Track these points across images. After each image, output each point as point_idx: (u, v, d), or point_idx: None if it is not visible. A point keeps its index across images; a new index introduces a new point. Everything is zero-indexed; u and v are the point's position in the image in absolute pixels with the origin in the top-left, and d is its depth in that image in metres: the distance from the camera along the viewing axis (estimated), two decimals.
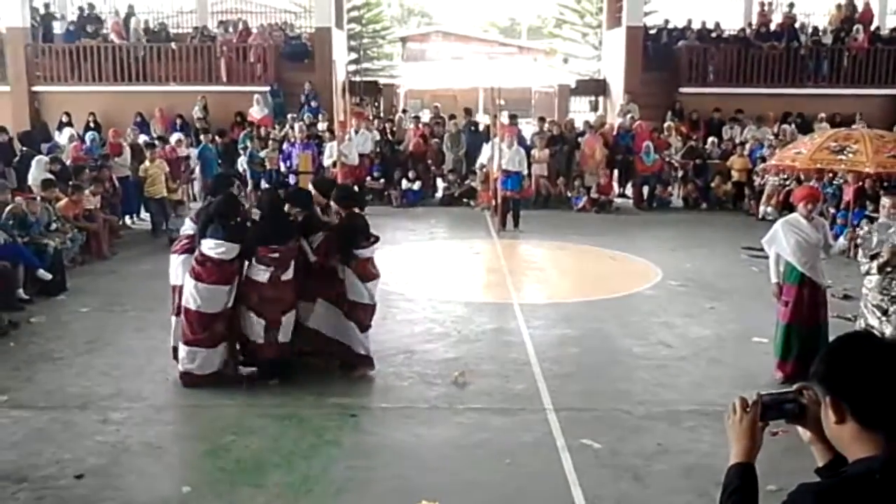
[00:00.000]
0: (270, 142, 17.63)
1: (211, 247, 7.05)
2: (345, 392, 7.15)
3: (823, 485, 1.96)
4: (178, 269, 7.43)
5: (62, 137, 17.79)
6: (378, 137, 18.40)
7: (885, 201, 7.66)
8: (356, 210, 7.86)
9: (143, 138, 17.16)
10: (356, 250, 7.47)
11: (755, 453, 2.12)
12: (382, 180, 17.88)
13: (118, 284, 11.05)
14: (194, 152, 17.25)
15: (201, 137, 17.50)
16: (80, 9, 23.01)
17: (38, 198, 11.76)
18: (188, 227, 7.64)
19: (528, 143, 17.79)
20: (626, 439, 6.26)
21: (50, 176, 12.99)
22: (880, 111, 20.43)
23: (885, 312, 7.09)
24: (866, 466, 1.84)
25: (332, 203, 7.80)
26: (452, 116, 19.45)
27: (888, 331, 7.05)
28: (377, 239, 7.73)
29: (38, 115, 20.91)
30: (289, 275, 7.25)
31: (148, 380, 7.44)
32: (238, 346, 7.43)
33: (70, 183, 12.99)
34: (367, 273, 7.57)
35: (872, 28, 22.56)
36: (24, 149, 16.31)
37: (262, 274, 7.16)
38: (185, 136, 17.62)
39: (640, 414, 6.76)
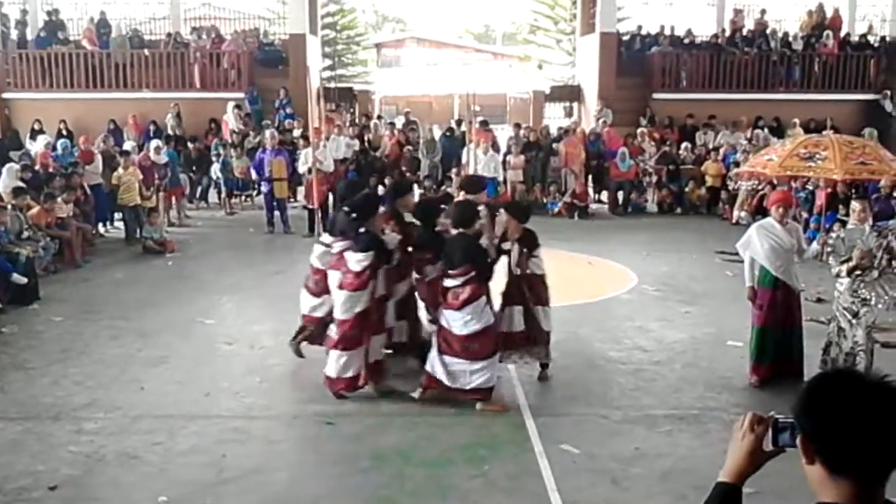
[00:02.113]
0: (234, 150, 17.62)
1: (360, 259, 7.05)
2: (322, 399, 7.12)
3: None
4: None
5: (36, 145, 17.60)
6: (354, 144, 18.36)
7: (856, 206, 7.78)
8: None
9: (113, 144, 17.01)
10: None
11: (747, 475, 1.99)
12: None
13: (91, 293, 10.95)
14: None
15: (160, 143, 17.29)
16: (49, 13, 22.79)
17: (9, 206, 11.62)
18: (340, 244, 7.57)
19: (504, 148, 17.84)
20: (603, 444, 6.29)
21: (21, 184, 12.83)
22: (850, 116, 20.69)
23: (855, 315, 7.18)
24: None
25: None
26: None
27: (859, 332, 7.14)
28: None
29: (8, 123, 20.69)
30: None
31: (122, 389, 7.37)
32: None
33: (42, 191, 12.86)
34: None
35: (842, 34, 22.86)
36: None
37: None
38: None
39: (617, 418, 6.79)
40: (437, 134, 19.34)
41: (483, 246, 7.20)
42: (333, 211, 8.04)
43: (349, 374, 7.09)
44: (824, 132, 9.68)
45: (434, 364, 6.98)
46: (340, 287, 7.14)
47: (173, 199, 16.42)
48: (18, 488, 5.51)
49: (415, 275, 7.76)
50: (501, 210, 7.86)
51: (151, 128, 19.55)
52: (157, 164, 15.81)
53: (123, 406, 6.96)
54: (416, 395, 7.11)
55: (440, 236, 7.49)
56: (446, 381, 6.93)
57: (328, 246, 7.80)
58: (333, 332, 7.29)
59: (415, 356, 7.82)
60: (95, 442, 6.25)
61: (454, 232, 7.20)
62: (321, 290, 7.76)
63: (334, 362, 7.12)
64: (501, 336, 7.29)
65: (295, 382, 7.66)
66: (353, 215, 7.26)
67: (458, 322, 6.90)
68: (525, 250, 7.49)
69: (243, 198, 18.15)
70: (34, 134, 18.97)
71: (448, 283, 7.03)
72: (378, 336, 7.32)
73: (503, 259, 7.49)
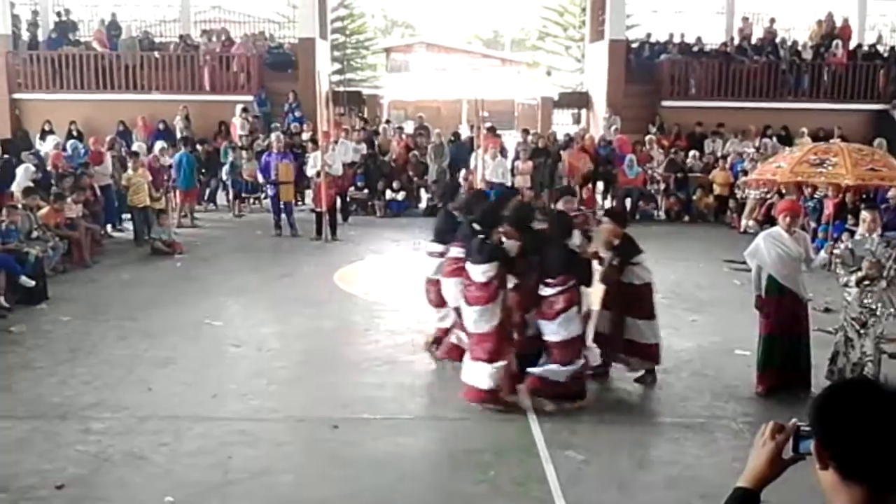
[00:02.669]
0: (244, 152, 17.69)
1: (484, 270, 7.00)
2: (328, 402, 7.14)
3: None
4: (453, 292, 7.53)
5: (46, 145, 17.68)
6: (362, 148, 18.41)
7: (866, 215, 7.75)
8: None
9: (124, 146, 17.08)
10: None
11: (766, 482, 2.00)
12: (366, 191, 17.90)
13: (100, 293, 10.98)
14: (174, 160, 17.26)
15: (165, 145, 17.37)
16: (58, 14, 22.90)
17: (20, 205, 11.68)
18: (455, 251, 7.63)
19: (512, 154, 17.86)
20: (609, 450, 6.28)
21: (31, 184, 12.91)
22: (859, 126, 20.63)
23: (863, 325, 7.17)
24: None
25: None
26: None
27: (867, 343, 7.12)
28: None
29: (18, 123, 20.78)
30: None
31: (129, 389, 7.40)
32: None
33: (52, 191, 12.92)
34: None
35: (852, 44, 22.83)
36: (6, 156, 16.19)
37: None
38: (167, 145, 17.56)
39: (624, 425, 6.78)
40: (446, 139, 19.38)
41: (582, 255, 7.31)
42: (437, 216, 8.13)
43: (494, 385, 6.97)
44: (832, 140, 9.63)
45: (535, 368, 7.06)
46: (468, 302, 7.07)
47: (186, 200, 16.47)
48: (25, 487, 5.54)
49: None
50: (603, 216, 7.91)
51: (161, 128, 19.63)
52: (164, 166, 15.89)
53: (130, 406, 6.98)
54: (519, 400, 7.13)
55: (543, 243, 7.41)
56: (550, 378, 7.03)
57: (440, 255, 7.85)
58: (469, 344, 7.17)
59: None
60: (102, 442, 6.27)
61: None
62: (442, 300, 7.85)
63: (481, 374, 6.97)
64: (603, 338, 7.59)
65: (302, 385, 7.67)
66: (479, 226, 7.20)
67: (550, 331, 6.98)
68: (618, 259, 7.58)
69: (252, 200, 18.19)
70: (44, 134, 19.06)
71: (544, 291, 7.05)
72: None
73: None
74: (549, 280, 7.00)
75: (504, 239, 7.30)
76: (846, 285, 7.27)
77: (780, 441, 1.97)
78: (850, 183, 9.74)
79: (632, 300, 7.64)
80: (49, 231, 11.82)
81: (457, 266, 7.45)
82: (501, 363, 6.93)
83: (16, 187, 13.19)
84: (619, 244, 7.69)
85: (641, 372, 7.74)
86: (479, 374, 6.96)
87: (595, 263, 7.62)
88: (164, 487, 5.58)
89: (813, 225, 13.74)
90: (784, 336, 7.42)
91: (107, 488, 5.59)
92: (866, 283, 7.13)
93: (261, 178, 16.39)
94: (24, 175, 13.66)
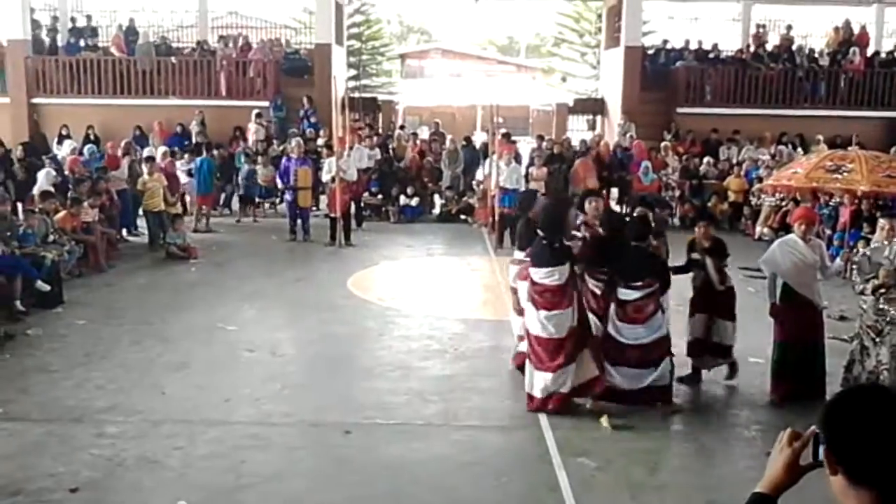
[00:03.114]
0: (260, 157, 17.78)
1: (542, 276, 7.02)
2: (341, 408, 7.15)
3: None
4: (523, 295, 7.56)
5: (63, 150, 17.81)
6: (376, 154, 18.46)
7: (884, 223, 7.71)
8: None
9: (140, 151, 17.17)
10: None
11: (783, 488, 2.00)
12: (380, 196, 17.94)
13: (115, 297, 11.04)
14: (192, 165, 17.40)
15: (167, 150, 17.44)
16: (72, 19, 23.07)
17: (37, 209, 11.77)
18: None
19: (526, 160, 17.85)
20: (622, 458, 6.26)
21: (49, 188, 13.02)
22: (876, 133, 20.52)
23: (879, 333, 7.12)
24: None
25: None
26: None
27: (883, 351, 7.07)
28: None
29: (37, 127, 20.94)
30: None
31: (143, 393, 7.43)
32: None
33: (68, 195, 13.00)
34: None
35: (869, 51, 22.71)
36: (28, 159, 16.35)
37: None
38: (182, 151, 17.67)
39: (637, 432, 6.75)
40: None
41: (664, 259, 7.43)
42: (519, 224, 8.31)
43: (563, 390, 6.97)
44: (850, 148, 9.59)
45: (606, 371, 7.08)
46: (536, 306, 7.04)
47: (203, 205, 16.54)
48: (39, 489, 5.57)
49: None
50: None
51: (178, 130, 19.75)
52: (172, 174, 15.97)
53: (144, 410, 7.01)
54: (588, 404, 7.16)
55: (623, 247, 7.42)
56: (623, 385, 7.08)
57: (521, 262, 7.93)
58: (532, 349, 7.11)
59: None
60: (116, 445, 6.30)
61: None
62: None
63: (546, 380, 6.97)
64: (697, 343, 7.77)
65: (315, 390, 7.68)
66: (546, 231, 7.15)
67: (632, 334, 7.07)
68: (713, 261, 7.73)
69: (267, 205, 18.24)
70: (61, 139, 19.20)
71: (626, 295, 7.11)
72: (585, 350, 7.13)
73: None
74: (632, 283, 7.10)
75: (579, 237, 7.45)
76: (862, 293, 7.22)
77: (797, 448, 1.97)
78: (865, 189, 9.69)
79: (723, 301, 7.81)
80: (65, 235, 11.89)
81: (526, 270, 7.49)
82: (566, 367, 6.93)
83: (37, 191, 13.30)
84: (710, 246, 7.86)
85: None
86: (541, 380, 7.00)
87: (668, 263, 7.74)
88: (177, 491, 5.60)
89: (828, 232, 13.66)
90: (798, 344, 7.38)
91: (120, 492, 5.62)
92: (882, 290, 7.08)
93: (279, 183, 16.42)
94: (44, 179, 13.78)
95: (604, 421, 6.79)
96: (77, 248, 12.02)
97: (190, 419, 6.85)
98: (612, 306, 7.25)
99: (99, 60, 21.36)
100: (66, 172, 15.32)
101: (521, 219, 8.67)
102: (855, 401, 1.87)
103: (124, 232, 15.38)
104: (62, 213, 12.25)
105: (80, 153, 17.06)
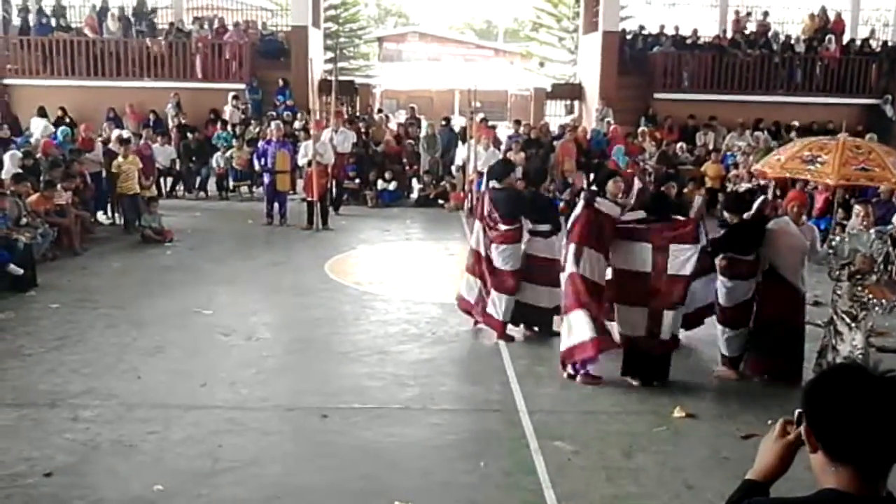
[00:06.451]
0: (235, 140, 17.66)
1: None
2: (317, 392, 7.13)
3: (775, 501, 1.97)
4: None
5: (35, 131, 17.57)
6: (350, 136, 18.39)
7: (859, 209, 7.77)
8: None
9: (117, 132, 16.97)
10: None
11: (776, 475, 2.03)
12: (358, 180, 17.86)
13: (89, 281, 10.94)
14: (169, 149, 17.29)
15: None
16: None
17: (9, 192, 11.61)
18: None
19: (504, 145, 17.84)
20: (598, 441, 6.29)
21: (20, 170, 12.84)
22: (850, 120, 20.61)
23: (854, 318, 7.18)
24: (821, 497, 1.85)
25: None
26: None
27: (858, 336, 7.14)
28: None
29: (8, 109, 20.66)
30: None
31: (118, 378, 7.37)
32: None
33: (41, 178, 12.84)
34: None
35: (845, 38, 22.87)
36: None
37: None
38: (156, 133, 17.53)
39: (614, 415, 6.79)
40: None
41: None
42: (532, 200, 9.10)
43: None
44: (839, 135, 9.66)
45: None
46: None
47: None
48: (13, 474, 5.51)
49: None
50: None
51: (151, 117, 19.54)
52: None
53: (119, 394, 6.96)
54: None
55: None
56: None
57: (545, 234, 8.71)
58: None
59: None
60: (91, 430, 6.25)
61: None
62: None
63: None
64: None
65: (292, 375, 7.65)
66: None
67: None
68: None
69: (244, 189, 18.12)
70: (36, 121, 18.95)
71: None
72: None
73: None
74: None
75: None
76: (838, 279, 7.28)
77: (793, 438, 2.00)
78: (831, 183, 9.75)
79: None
80: (38, 218, 11.76)
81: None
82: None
83: (4, 174, 13.11)
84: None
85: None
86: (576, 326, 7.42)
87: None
88: (153, 476, 5.56)
89: (804, 218, 13.75)
90: (777, 325, 7.42)
91: (95, 476, 5.57)
92: (858, 276, 7.15)
93: (257, 166, 16.26)
94: (10, 161, 13.57)
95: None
96: (51, 231, 11.90)
97: (166, 403, 6.80)
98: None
99: (71, 41, 21.10)
100: (39, 155, 15.10)
101: (532, 194, 9.19)
102: (835, 380, 1.90)
103: (100, 215, 15.23)
104: (35, 196, 12.10)
105: (54, 136, 16.85)
